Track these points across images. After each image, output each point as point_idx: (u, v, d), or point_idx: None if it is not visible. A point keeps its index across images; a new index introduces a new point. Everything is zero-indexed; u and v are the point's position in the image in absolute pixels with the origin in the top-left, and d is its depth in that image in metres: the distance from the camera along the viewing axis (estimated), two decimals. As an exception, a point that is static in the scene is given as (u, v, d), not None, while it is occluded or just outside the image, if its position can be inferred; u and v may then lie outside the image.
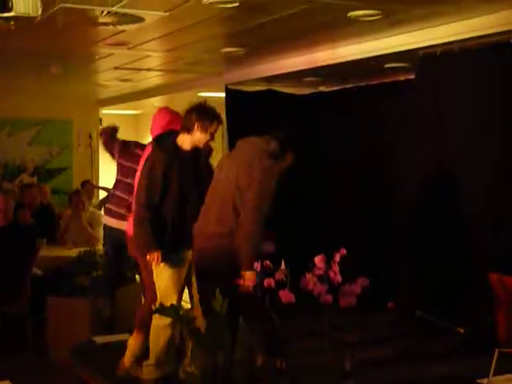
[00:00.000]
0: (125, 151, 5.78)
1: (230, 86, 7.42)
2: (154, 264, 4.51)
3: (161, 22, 4.88)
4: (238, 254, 4.32)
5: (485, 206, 5.27)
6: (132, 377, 4.75)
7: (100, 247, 6.54)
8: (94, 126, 10.59)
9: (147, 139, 5.48)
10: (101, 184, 9.94)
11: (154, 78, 8.15)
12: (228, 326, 3.88)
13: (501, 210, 5.19)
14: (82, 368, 5.22)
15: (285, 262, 5.89)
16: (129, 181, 5.48)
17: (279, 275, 5.84)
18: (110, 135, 6.01)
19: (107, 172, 8.39)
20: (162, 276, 4.56)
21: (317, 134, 7.39)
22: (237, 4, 4.31)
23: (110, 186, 6.23)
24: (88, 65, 7.15)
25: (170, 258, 4.51)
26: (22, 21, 3.40)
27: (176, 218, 4.49)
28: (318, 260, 5.77)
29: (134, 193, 4.88)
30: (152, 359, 4.64)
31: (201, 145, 4.57)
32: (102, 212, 6.28)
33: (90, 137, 10.46)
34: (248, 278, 4.34)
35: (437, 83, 5.57)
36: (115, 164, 5.85)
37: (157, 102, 9.59)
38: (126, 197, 5.50)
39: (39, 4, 3.30)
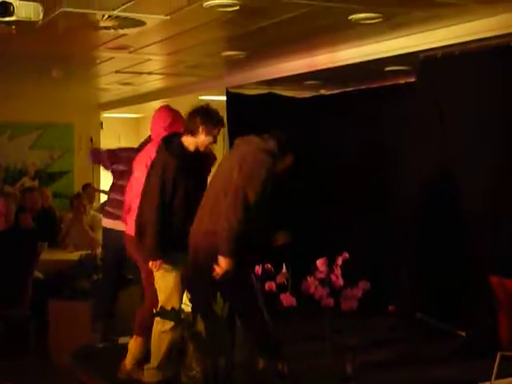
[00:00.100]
0: (113, 157, 5.87)
1: (230, 90, 7.43)
2: (155, 268, 4.53)
3: (162, 25, 4.88)
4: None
5: (485, 208, 5.27)
6: (133, 380, 4.75)
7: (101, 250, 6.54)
8: (95, 130, 10.61)
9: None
10: (102, 187, 9.94)
11: (154, 82, 8.15)
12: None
13: (501, 212, 5.19)
14: (83, 371, 5.22)
15: (286, 266, 5.90)
16: (121, 183, 5.50)
17: (280, 279, 5.86)
18: (95, 154, 6.37)
19: (108, 175, 8.38)
20: (166, 278, 4.56)
21: (317, 137, 7.40)
22: (237, 8, 4.31)
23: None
24: (89, 69, 7.15)
25: (173, 260, 4.52)
26: (24, 25, 3.40)
27: (182, 220, 4.51)
28: (320, 263, 5.78)
29: (129, 194, 4.97)
30: (153, 362, 4.64)
31: (204, 147, 4.61)
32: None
33: (91, 140, 10.47)
34: (220, 263, 4.26)
35: (437, 86, 5.57)
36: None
37: (158, 105, 9.58)
38: (121, 198, 5.50)
39: (40, 8, 3.30)
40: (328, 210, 7.43)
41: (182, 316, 4.10)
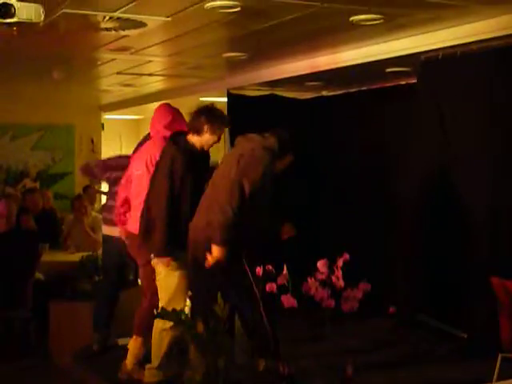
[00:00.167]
0: (102, 168, 5.93)
1: (232, 91, 7.43)
2: (163, 267, 4.53)
3: (163, 27, 4.88)
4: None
5: (486, 210, 5.27)
6: (134, 380, 4.75)
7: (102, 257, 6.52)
8: (97, 131, 10.61)
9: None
10: (103, 189, 9.94)
11: (156, 83, 8.16)
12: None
13: (502, 214, 5.19)
14: (84, 372, 5.23)
15: (287, 267, 5.91)
16: (116, 189, 5.52)
17: (281, 280, 5.86)
18: (85, 169, 6.44)
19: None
20: (170, 277, 4.56)
21: (318, 138, 7.40)
22: (238, 9, 4.32)
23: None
24: (90, 70, 7.16)
25: (177, 258, 4.52)
26: (25, 26, 3.41)
27: (187, 217, 4.52)
28: (321, 265, 5.79)
29: (125, 191, 5.00)
30: (154, 362, 4.64)
31: (208, 146, 4.66)
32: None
33: (93, 142, 10.47)
34: (213, 252, 4.25)
35: (439, 87, 5.57)
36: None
37: (159, 106, 9.60)
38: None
39: (42, 10, 3.31)
40: (329, 211, 7.44)
41: (183, 317, 4.09)
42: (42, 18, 3.31)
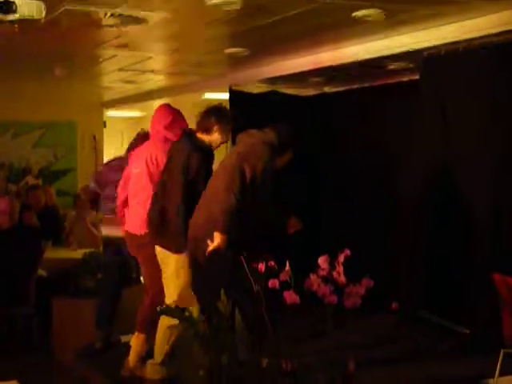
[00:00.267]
0: (98, 181, 5.95)
1: (234, 88, 7.43)
2: (176, 264, 4.53)
3: (164, 23, 4.88)
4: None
5: (488, 206, 5.26)
6: (137, 377, 4.76)
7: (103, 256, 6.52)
8: (99, 128, 10.62)
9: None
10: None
11: (157, 80, 8.15)
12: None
13: (504, 210, 5.19)
14: (87, 369, 5.24)
15: (289, 263, 5.91)
16: (110, 192, 5.55)
17: (284, 276, 5.87)
18: (85, 192, 6.84)
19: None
20: (180, 275, 4.56)
21: (320, 134, 7.40)
22: (240, 5, 4.31)
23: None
24: (92, 67, 7.15)
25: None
26: (26, 23, 3.40)
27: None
28: (322, 261, 5.79)
29: (125, 190, 5.02)
30: (157, 358, 4.65)
31: (216, 145, 4.71)
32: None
33: (95, 139, 10.48)
34: (215, 238, 4.22)
35: (441, 83, 5.56)
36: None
37: (161, 103, 9.59)
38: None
39: (43, 6, 3.30)
40: (330, 208, 7.44)
41: (186, 313, 4.09)
42: (44, 15, 3.31)
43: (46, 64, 6.78)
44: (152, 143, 4.97)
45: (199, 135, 4.68)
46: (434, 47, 5.33)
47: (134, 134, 5.68)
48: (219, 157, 4.82)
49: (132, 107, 10.47)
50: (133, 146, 5.43)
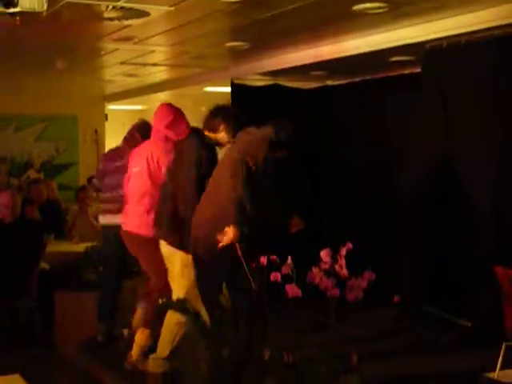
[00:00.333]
0: (97, 173, 5.91)
1: (235, 81, 7.42)
2: (181, 262, 4.54)
3: (166, 16, 4.87)
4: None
5: (490, 199, 5.26)
6: (139, 371, 4.77)
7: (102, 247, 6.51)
8: (100, 122, 10.61)
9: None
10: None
11: (159, 73, 8.15)
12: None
13: (506, 203, 5.18)
14: (89, 361, 5.25)
15: (291, 257, 5.91)
16: (109, 182, 5.54)
17: (286, 269, 5.87)
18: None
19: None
20: (185, 274, 4.56)
21: (322, 127, 7.39)
22: (241, -2, 4.31)
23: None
24: (93, 60, 7.15)
25: None
26: (28, 16, 3.40)
27: None
28: (324, 254, 5.79)
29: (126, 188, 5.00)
30: (162, 352, 4.66)
31: (223, 144, 4.73)
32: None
33: (96, 132, 10.47)
34: (228, 233, 4.18)
35: (443, 76, 5.55)
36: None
37: (163, 96, 9.59)
38: (113, 195, 5.50)
39: (44, -1, 3.30)
40: (333, 201, 7.44)
41: (188, 307, 4.09)
42: (45, 8, 3.30)
43: (47, 57, 6.77)
44: (153, 142, 4.98)
45: (206, 133, 4.71)
46: (436, 40, 5.32)
47: (135, 128, 5.68)
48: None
49: (134, 100, 10.45)
50: (129, 136, 5.45)
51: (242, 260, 4.41)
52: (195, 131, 4.77)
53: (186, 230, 4.50)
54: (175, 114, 4.98)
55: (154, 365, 4.70)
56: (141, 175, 4.89)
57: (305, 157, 6.91)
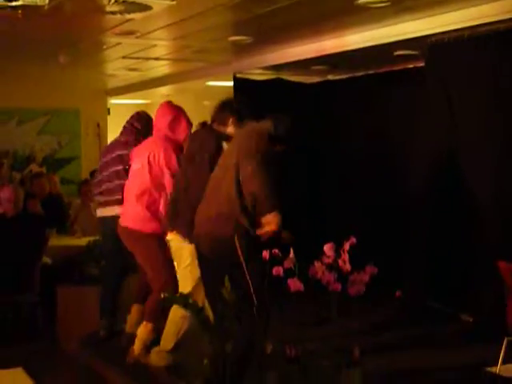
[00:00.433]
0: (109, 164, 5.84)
1: (238, 75, 7.41)
2: (190, 256, 4.54)
3: (168, 10, 4.86)
4: (258, 205, 4.13)
5: (493, 193, 5.25)
6: (141, 365, 4.78)
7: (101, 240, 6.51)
8: (103, 116, 10.61)
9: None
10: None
11: (161, 67, 8.13)
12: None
13: (509, 198, 5.17)
14: (91, 356, 5.25)
15: (293, 251, 5.90)
16: (106, 173, 5.53)
17: (288, 263, 5.87)
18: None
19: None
20: (195, 268, 4.55)
21: (325, 122, 7.38)
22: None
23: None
24: (96, 54, 7.14)
25: None
26: (30, 10, 3.40)
27: None
28: (327, 248, 5.79)
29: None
30: (166, 345, 4.66)
31: (231, 138, 4.67)
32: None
33: (99, 126, 10.47)
34: (269, 221, 4.07)
35: (446, 70, 5.54)
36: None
37: (165, 91, 9.58)
38: (109, 187, 5.49)
39: (46, -7, 3.30)
40: (335, 195, 7.43)
41: (190, 301, 4.09)
42: (47, 1, 3.30)
43: (49, 51, 6.76)
44: (153, 141, 5.00)
45: (215, 127, 4.71)
46: (439, 34, 5.31)
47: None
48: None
49: (136, 95, 10.44)
50: (128, 126, 5.47)
51: (243, 262, 4.41)
52: (207, 125, 4.79)
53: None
54: (175, 113, 5.00)
55: (157, 358, 4.70)
56: (141, 173, 4.90)
57: (307, 151, 6.91)
